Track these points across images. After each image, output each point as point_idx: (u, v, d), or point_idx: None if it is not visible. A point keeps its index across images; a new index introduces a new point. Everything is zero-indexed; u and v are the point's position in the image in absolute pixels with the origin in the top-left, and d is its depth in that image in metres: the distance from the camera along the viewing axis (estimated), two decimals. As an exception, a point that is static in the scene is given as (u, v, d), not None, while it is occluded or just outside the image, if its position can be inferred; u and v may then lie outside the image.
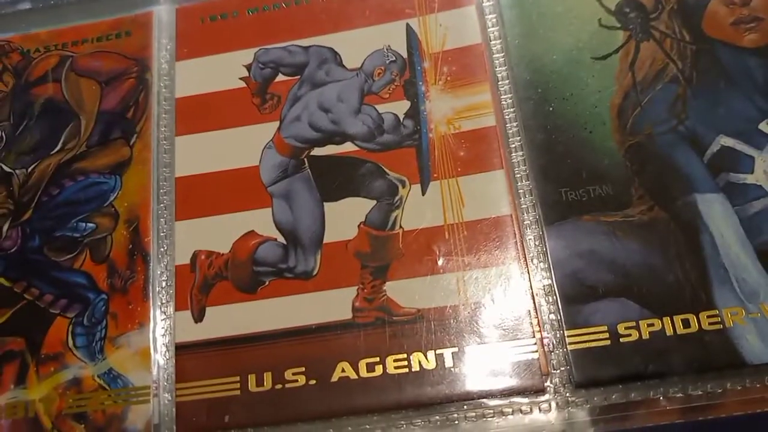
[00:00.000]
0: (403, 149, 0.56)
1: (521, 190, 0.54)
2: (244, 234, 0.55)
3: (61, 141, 0.60)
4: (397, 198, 0.54)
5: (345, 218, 0.54)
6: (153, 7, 0.64)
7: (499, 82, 0.57)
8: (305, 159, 0.57)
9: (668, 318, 0.47)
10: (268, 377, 0.50)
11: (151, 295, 0.54)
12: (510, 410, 0.48)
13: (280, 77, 0.60)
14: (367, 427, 0.48)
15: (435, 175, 0.54)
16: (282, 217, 0.55)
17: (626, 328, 0.48)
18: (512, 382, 0.48)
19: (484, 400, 0.48)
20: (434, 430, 0.48)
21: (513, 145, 0.55)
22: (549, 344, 0.49)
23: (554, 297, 0.50)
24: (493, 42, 0.59)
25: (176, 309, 0.53)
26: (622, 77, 0.55)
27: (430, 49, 0.59)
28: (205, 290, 0.53)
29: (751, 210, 0.50)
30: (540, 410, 0.48)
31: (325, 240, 0.54)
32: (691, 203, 0.50)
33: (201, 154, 0.58)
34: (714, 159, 0.51)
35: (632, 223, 0.50)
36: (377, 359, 0.49)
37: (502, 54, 0.58)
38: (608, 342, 0.47)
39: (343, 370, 0.49)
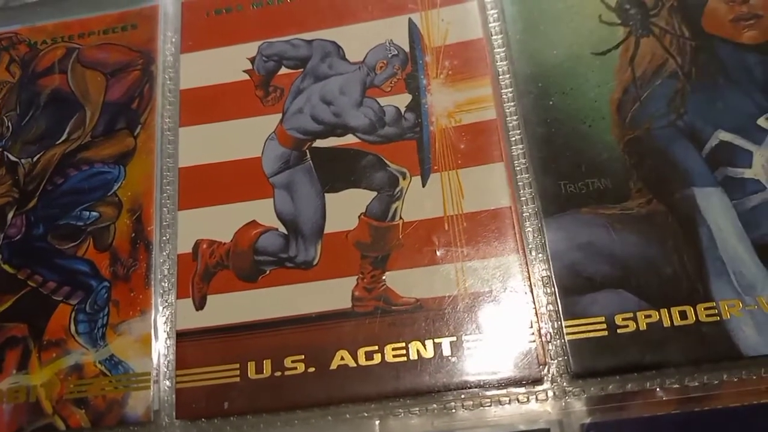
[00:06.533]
0: (404, 141, 0.56)
1: (521, 183, 0.54)
2: (246, 224, 0.55)
3: (67, 131, 0.60)
4: (397, 189, 0.55)
5: (346, 209, 0.54)
6: (159, 1, 0.65)
7: (500, 76, 0.58)
8: (307, 151, 0.57)
9: (665, 310, 0.48)
10: (267, 364, 0.50)
11: (152, 282, 0.54)
12: (507, 399, 0.48)
13: (284, 70, 0.60)
14: (365, 414, 0.49)
15: (435, 167, 0.55)
16: (283, 207, 0.55)
17: (624, 320, 0.48)
18: (510, 371, 0.48)
19: (482, 389, 0.48)
20: (432, 419, 0.48)
21: (513, 138, 0.56)
22: (546, 334, 0.49)
23: (552, 288, 0.50)
24: (494, 37, 0.59)
25: (178, 297, 0.54)
26: (621, 72, 0.56)
27: (432, 44, 0.59)
28: (207, 278, 0.54)
29: (749, 204, 0.50)
30: (537, 400, 0.48)
31: (326, 230, 0.54)
32: (690, 197, 0.51)
33: (204, 144, 0.58)
34: (712, 153, 0.52)
35: (631, 215, 0.51)
36: (376, 348, 0.50)
37: (503, 48, 0.59)
38: (606, 333, 0.48)
39: (342, 358, 0.50)
